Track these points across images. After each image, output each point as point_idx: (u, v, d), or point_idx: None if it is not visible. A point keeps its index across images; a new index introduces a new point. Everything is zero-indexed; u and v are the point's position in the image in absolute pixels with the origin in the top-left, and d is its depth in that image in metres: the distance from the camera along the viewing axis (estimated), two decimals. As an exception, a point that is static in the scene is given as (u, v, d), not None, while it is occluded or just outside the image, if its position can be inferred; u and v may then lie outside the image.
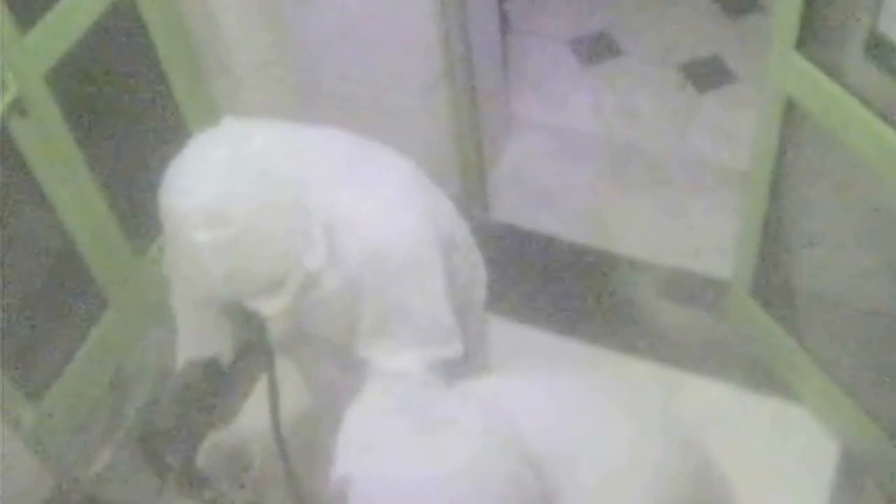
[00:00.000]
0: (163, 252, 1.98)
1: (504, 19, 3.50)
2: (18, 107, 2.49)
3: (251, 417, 2.91)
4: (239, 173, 1.71)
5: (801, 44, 2.23)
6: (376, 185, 1.84)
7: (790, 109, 2.36)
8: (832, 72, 2.20)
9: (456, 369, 1.93)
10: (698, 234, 3.22)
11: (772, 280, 2.77)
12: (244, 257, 1.69)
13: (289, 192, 1.73)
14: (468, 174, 3.28)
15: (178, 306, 2.13)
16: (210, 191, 1.68)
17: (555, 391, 1.64)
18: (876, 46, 2.07)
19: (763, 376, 2.87)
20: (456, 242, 2.03)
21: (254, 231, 1.68)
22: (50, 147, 2.64)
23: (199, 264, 1.70)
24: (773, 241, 2.67)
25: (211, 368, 2.18)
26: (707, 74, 3.69)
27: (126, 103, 2.93)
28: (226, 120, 1.88)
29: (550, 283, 3.19)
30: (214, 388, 2.32)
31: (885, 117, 2.10)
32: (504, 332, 2.99)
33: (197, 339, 2.13)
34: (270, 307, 1.77)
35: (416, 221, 1.84)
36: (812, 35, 2.21)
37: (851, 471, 2.68)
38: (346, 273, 1.81)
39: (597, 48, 3.88)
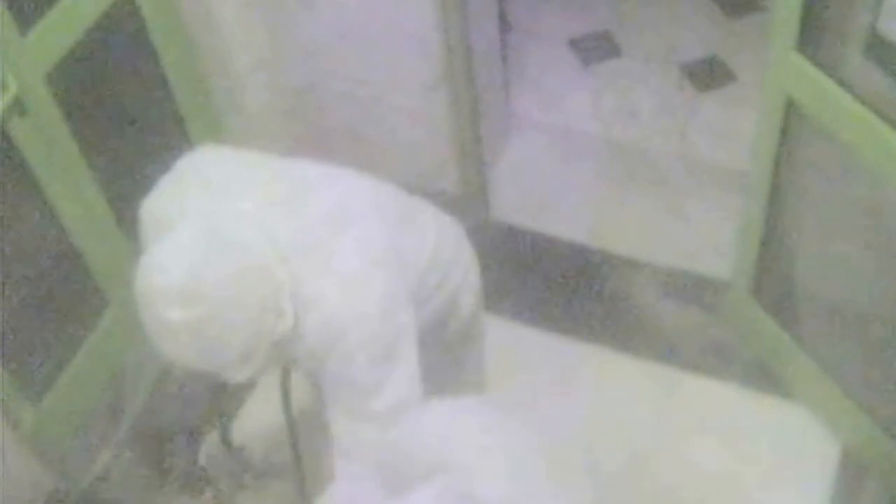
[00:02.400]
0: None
1: (504, 19, 3.50)
2: (18, 107, 2.49)
3: (251, 417, 2.92)
4: (211, 249, 1.72)
5: (801, 44, 2.23)
6: (340, 257, 1.83)
7: (790, 109, 2.36)
8: (832, 72, 2.20)
9: (449, 388, 1.95)
10: (698, 234, 3.22)
11: (772, 280, 2.77)
12: (216, 334, 1.70)
13: (260, 265, 1.74)
14: (468, 174, 3.28)
15: None
16: (183, 268, 1.69)
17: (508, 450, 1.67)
18: (876, 46, 2.07)
19: (763, 376, 2.87)
20: (428, 279, 2.02)
21: (226, 307, 1.70)
22: (50, 147, 2.64)
23: (172, 340, 1.72)
24: (773, 241, 2.67)
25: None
26: (707, 74, 3.69)
27: (126, 103, 2.93)
28: (202, 148, 1.91)
29: (550, 283, 3.19)
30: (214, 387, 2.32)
31: (885, 117, 2.11)
32: (504, 332, 3.00)
33: None
34: (240, 375, 1.78)
35: (376, 300, 1.83)
36: (812, 35, 2.21)
37: (851, 471, 2.69)
38: (307, 345, 1.82)
39: (597, 48, 3.87)
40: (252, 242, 1.75)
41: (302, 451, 2.32)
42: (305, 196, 1.88)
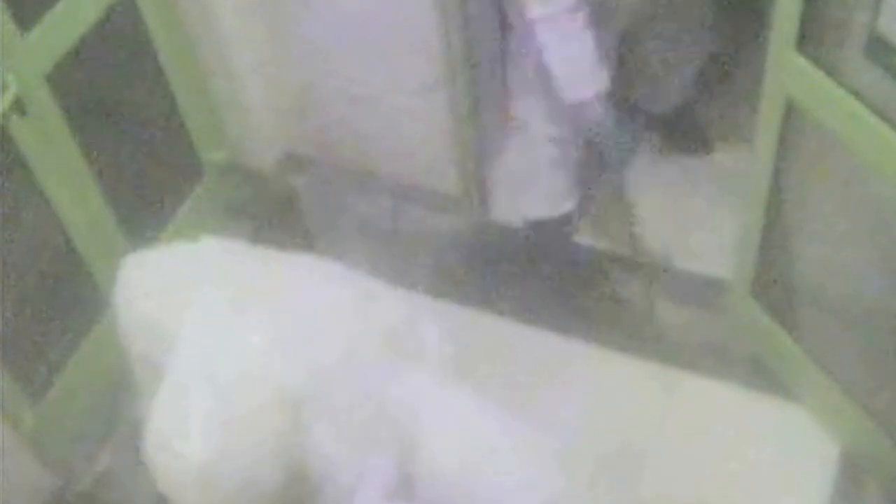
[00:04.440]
0: None
1: (504, 19, 3.48)
2: (18, 107, 2.49)
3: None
4: (227, 427, 1.71)
5: (801, 44, 2.23)
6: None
7: (790, 109, 2.36)
8: (832, 72, 2.20)
9: None
10: (698, 234, 3.22)
11: (772, 280, 2.77)
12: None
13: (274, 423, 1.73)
14: (468, 174, 3.28)
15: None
16: (200, 452, 1.70)
17: None
18: (876, 46, 2.07)
19: (763, 376, 2.87)
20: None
21: (244, 482, 1.72)
22: (50, 147, 2.64)
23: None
24: (773, 241, 2.67)
25: None
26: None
27: (126, 103, 2.93)
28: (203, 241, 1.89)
29: (550, 283, 3.19)
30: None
31: (885, 117, 2.10)
32: (504, 332, 3.00)
33: None
34: None
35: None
36: (812, 35, 2.21)
37: (851, 471, 2.68)
38: None
39: (596, 48, 3.86)
40: (262, 392, 1.73)
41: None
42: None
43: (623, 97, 3.38)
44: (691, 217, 3.28)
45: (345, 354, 1.81)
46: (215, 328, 1.82)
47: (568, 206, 3.18)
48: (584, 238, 3.29)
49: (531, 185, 3.14)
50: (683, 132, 3.43)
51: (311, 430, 1.75)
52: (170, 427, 1.75)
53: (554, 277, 3.20)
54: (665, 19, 2.95)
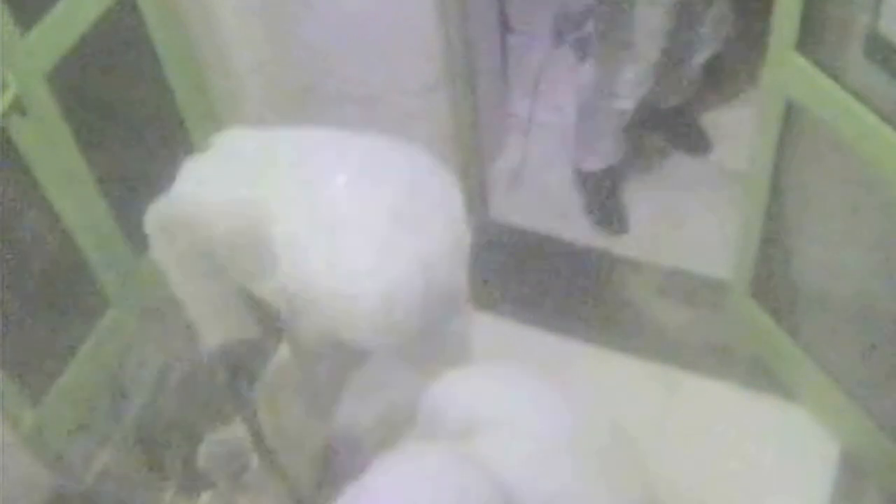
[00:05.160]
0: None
1: (504, 20, 3.50)
2: (18, 106, 2.49)
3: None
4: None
5: (801, 44, 2.23)
6: (352, 246, 1.89)
7: (790, 109, 2.36)
8: (832, 72, 2.20)
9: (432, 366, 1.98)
10: (698, 234, 3.22)
11: (772, 280, 2.77)
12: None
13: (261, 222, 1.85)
14: (468, 174, 3.28)
15: (189, 297, 2.17)
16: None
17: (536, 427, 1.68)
18: (876, 46, 2.07)
19: (763, 376, 2.87)
20: (435, 274, 2.04)
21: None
22: (50, 147, 2.64)
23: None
24: (772, 241, 2.67)
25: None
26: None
27: (126, 103, 2.93)
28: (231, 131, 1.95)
29: (550, 283, 3.19)
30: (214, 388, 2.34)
31: (885, 117, 2.11)
32: (504, 332, 3.00)
33: (220, 324, 2.17)
34: (259, 291, 1.89)
35: (377, 299, 1.88)
36: (812, 35, 2.21)
37: (851, 471, 2.69)
38: (313, 328, 1.90)
39: (597, 48, 3.86)
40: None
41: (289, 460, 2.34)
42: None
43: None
44: (692, 217, 3.28)
45: None
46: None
47: (612, 160, 3.25)
48: (584, 238, 3.29)
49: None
50: (684, 131, 3.43)
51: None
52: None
53: (553, 277, 3.20)
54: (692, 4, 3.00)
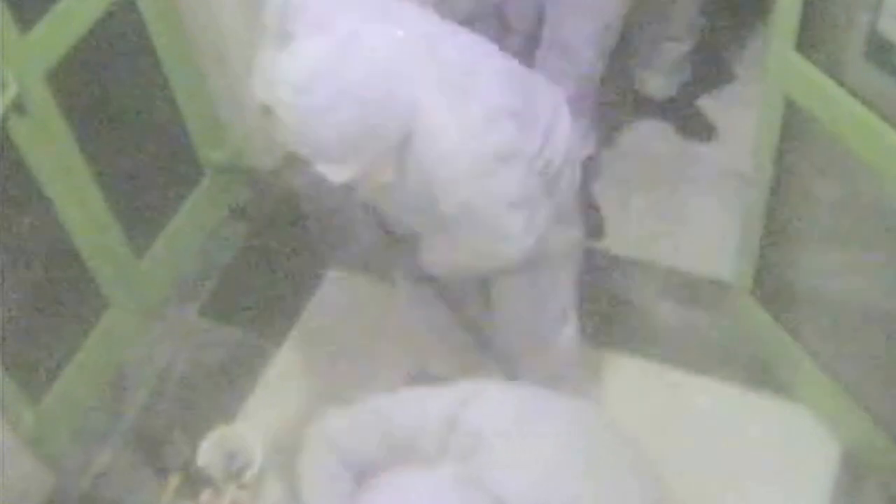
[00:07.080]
0: None
1: (504, 21, 3.48)
2: (18, 106, 2.49)
3: (251, 417, 2.92)
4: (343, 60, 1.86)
5: (801, 44, 2.23)
6: (470, 99, 1.95)
7: (790, 109, 2.36)
8: (832, 72, 2.20)
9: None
10: (698, 234, 3.22)
11: (772, 280, 2.77)
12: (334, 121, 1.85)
13: (381, 85, 1.86)
14: (468, 174, 3.27)
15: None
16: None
17: (537, 445, 1.68)
18: (876, 46, 2.07)
19: (763, 376, 2.87)
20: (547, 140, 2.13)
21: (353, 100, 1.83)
22: (50, 147, 2.64)
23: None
24: (773, 241, 2.67)
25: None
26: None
27: (126, 103, 2.94)
28: None
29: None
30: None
31: (885, 117, 2.10)
32: (504, 332, 2.99)
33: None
34: (337, 174, 1.93)
35: (493, 146, 1.95)
36: (812, 35, 2.21)
37: (851, 471, 2.68)
38: (419, 177, 1.95)
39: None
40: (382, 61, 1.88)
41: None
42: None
43: (626, 84, 3.41)
44: (692, 217, 3.28)
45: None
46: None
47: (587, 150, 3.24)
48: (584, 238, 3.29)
49: None
50: (687, 117, 3.45)
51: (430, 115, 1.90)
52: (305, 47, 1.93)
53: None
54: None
